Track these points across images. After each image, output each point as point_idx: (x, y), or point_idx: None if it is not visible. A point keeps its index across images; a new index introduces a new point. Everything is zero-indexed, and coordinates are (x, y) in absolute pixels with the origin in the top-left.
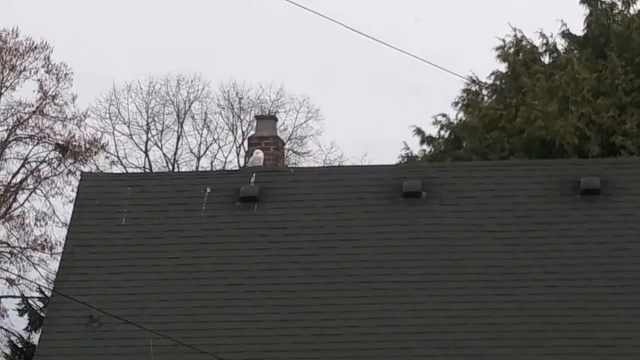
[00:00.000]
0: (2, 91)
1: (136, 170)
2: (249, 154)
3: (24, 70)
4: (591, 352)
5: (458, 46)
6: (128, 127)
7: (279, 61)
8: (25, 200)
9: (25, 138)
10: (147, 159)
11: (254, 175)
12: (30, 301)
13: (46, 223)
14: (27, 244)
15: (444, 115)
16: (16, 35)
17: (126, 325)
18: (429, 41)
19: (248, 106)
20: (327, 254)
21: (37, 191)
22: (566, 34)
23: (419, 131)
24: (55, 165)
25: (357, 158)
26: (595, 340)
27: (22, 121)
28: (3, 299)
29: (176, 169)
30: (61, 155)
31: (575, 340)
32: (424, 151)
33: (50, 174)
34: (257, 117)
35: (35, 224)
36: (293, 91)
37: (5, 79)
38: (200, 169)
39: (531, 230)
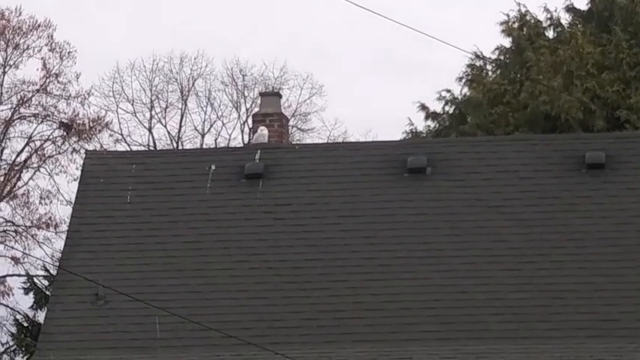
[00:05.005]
0: (6, 69)
1: (140, 148)
2: (253, 130)
3: (27, 48)
4: (597, 326)
5: (462, 21)
6: (132, 104)
7: (282, 38)
8: (29, 179)
9: (29, 116)
10: (151, 137)
11: (259, 152)
12: (35, 280)
13: (51, 202)
14: (32, 222)
15: (449, 91)
16: (20, 13)
17: (132, 303)
18: (433, 16)
19: (252, 83)
20: (332, 230)
21: (42, 169)
22: (571, 9)
23: (423, 107)
24: (59, 143)
25: (361, 134)
26: (600, 315)
27: (25, 99)
28: (8, 278)
29: (180, 147)
30: (65, 133)
31: (580, 314)
32: (429, 126)
33: (54, 152)
34: (261, 94)
35: (40, 202)
36: (296, 68)
37: (9, 57)
38: (204, 146)
39: (536, 205)
